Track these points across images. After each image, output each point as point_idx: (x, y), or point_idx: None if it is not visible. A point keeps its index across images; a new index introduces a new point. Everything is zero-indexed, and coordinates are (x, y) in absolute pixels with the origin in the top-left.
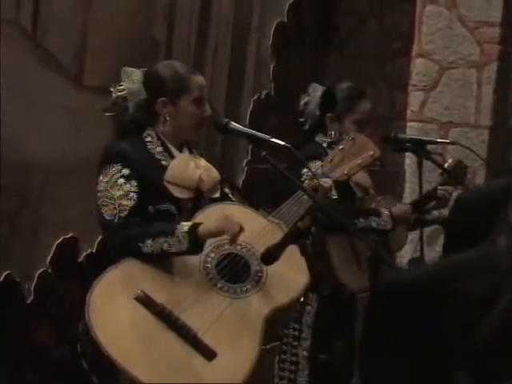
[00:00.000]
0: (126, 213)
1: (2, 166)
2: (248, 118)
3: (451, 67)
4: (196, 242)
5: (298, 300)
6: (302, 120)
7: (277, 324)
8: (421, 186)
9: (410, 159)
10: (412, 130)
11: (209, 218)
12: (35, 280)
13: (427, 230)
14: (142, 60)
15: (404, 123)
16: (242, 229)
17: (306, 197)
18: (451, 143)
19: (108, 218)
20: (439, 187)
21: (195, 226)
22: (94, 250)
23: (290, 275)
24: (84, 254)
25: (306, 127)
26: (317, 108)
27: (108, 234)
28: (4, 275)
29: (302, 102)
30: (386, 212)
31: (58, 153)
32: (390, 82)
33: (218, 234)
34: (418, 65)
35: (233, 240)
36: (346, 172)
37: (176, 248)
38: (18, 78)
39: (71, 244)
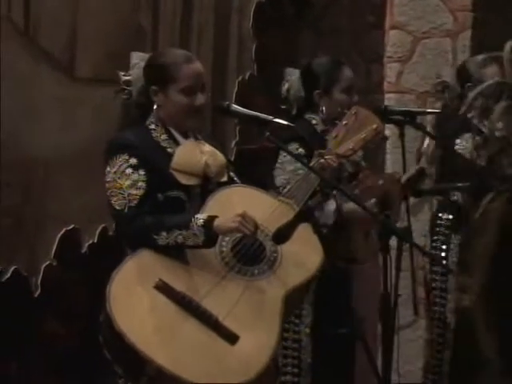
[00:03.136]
0: (135, 202)
1: (3, 162)
2: (234, 99)
3: (425, 37)
4: (211, 237)
5: (314, 278)
6: (285, 107)
7: (293, 303)
8: (404, 157)
9: (389, 130)
10: (390, 102)
11: (220, 203)
12: (41, 273)
13: (411, 200)
14: (132, 48)
15: (381, 95)
16: (257, 228)
17: (313, 175)
18: (440, 113)
19: (118, 208)
20: None
21: (210, 220)
22: (95, 240)
23: (305, 254)
24: (86, 244)
25: (294, 112)
26: (300, 90)
27: (120, 225)
28: (12, 270)
29: (284, 89)
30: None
31: (56, 146)
32: (366, 55)
33: (233, 232)
34: (392, 37)
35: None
36: (351, 147)
37: (191, 242)
38: (14, 73)
39: (72, 235)
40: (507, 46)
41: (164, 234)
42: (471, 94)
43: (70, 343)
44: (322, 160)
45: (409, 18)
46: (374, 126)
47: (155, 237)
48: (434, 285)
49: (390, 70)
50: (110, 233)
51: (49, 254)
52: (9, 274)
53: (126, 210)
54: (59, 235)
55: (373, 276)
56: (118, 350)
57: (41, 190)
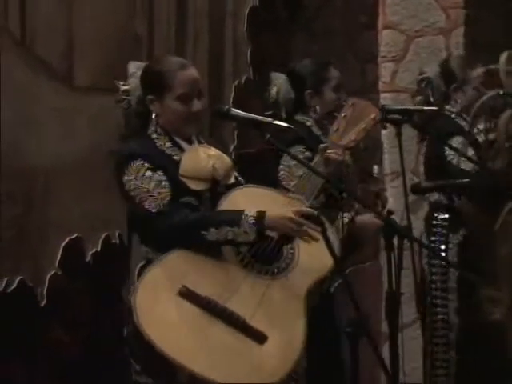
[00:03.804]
0: (168, 199)
1: (3, 172)
2: (231, 103)
3: (418, 36)
4: (262, 234)
5: (331, 272)
6: (271, 112)
7: (312, 299)
8: (401, 156)
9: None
10: (386, 101)
11: (234, 204)
12: (47, 283)
13: (410, 198)
14: (128, 56)
15: (377, 95)
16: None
17: (315, 176)
18: (437, 111)
19: (154, 210)
20: None
21: (260, 216)
22: (98, 249)
23: (319, 249)
24: (90, 253)
25: (284, 115)
26: (290, 92)
27: (161, 226)
28: (17, 281)
29: (273, 93)
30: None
31: (55, 155)
32: (360, 56)
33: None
34: (385, 36)
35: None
36: (353, 138)
37: (242, 238)
38: (12, 84)
39: (76, 244)
40: (502, 57)
41: (213, 229)
42: (474, 107)
43: (75, 351)
44: (326, 154)
45: (401, 17)
46: (373, 115)
47: (204, 232)
48: (433, 286)
49: (385, 70)
50: (113, 241)
51: (53, 264)
52: (15, 285)
53: (162, 207)
54: (63, 244)
55: (373, 275)
56: (147, 360)
57: (42, 199)
